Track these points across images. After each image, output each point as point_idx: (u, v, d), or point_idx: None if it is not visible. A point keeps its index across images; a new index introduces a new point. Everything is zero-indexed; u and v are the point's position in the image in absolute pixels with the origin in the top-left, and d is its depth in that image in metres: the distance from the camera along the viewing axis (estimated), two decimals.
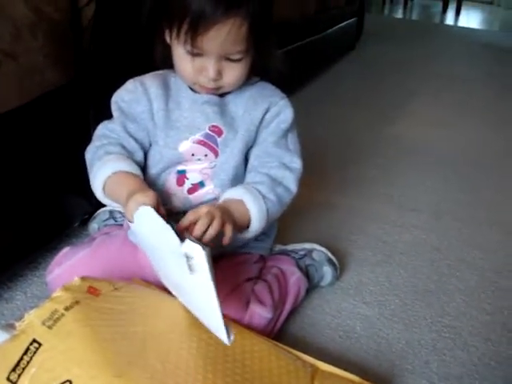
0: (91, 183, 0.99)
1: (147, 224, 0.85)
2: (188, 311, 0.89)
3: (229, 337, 0.83)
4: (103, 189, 0.97)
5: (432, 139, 2.28)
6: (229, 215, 0.91)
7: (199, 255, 0.76)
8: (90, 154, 1.02)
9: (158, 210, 0.83)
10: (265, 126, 1.04)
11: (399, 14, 7.00)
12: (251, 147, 1.05)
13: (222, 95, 1.03)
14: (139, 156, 1.03)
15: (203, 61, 0.94)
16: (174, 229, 0.80)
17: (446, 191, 1.79)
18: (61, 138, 1.19)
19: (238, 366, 0.82)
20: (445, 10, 7.12)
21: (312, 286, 1.20)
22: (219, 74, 0.95)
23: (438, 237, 1.50)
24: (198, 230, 0.85)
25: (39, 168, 1.15)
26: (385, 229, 1.51)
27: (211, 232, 0.86)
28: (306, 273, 1.18)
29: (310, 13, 2.75)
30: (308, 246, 1.24)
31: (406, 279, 1.29)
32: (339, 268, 1.25)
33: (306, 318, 1.14)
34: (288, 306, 1.09)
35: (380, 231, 1.50)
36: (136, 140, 1.02)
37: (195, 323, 0.87)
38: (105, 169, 0.96)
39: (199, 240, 0.83)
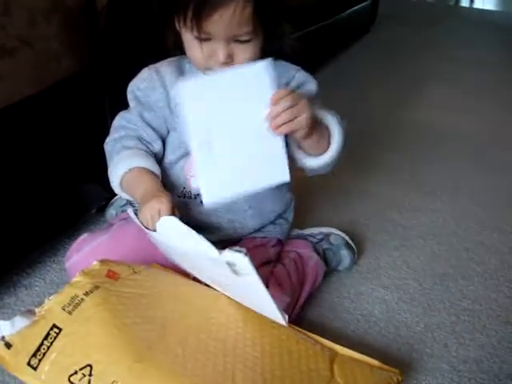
0: (109, 177, 1.01)
1: (172, 233, 0.86)
2: (207, 295, 0.90)
3: (285, 320, 0.87)
4: (120, 184, 0.98)
5: (450, 122, 2.26)
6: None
7: (243, 262, 0.78)
8: (108, 146, 1.02)
9: (173, 214, 0.85)
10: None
11: None
12: None
13: None
14: (158, 145, 1.03)
15: (212, 45, 0.92)
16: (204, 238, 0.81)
17: (464, 175, 1.78)
18: (77, 124, 1.19)
19: (258, 350, 0.82)
20: None
21: (330, 269, 1.20)
22: (229, 57, 0.93)
23: (456, 220, 1.49)
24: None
25: (56, 156, 1.16)
26: (402, 213, 1.50)
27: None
28: (323, 257, 1.18)
29: None
30: (325, 230, 1.23)
31: (424, 263, 1.29)
32: (357, 252, 1.24)
33: (324, 302, 1.14)
34: (306, 290, 1.09)
35: (397, 215, 1.49)
36: (153, 129, 1.02)
37: (214, 307, 0.88)
38: (122, 165, 0.97)
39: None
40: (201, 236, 0.81)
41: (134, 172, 0.97)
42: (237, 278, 0.82)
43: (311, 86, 1.05)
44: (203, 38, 0.92)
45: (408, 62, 3.24)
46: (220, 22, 0.89)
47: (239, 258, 0.78)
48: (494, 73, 3.12)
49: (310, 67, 2.69)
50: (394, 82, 2.80)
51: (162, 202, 0.87)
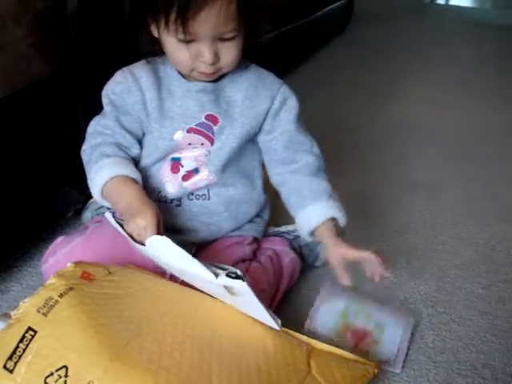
0: (90, 186, 1.00)
1: (163, 252, 0.87)
2: (183, 294, 0.90)
3: (278, 324, 0.89)
4: (101, 194, 0.98)
5: (426, 118, 2.28)
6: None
7: (242, 287, 0.81)
8: (85, 154, 1.02)
9: (158, 228, 0.88)
10: (275, 115, 1.05)
11: None
12: (258, 134, 1.07)
13: (216, 79, 1.02)
14: (136, 149, 1.03)
15: (197, 46, 0.92)
16: (200, 261, 0.83)
17: (442, 169, 1.80)
18: (50, 128, 1.19)
19: (234, 347, 0.82)
20: None
21: (307, 266, 1.21)
22: (216, 56, 0.93)
23: (434, 214, 1.50)
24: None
25: (30, 160, 1.15)
26: (379, 207, 1.52)
27: None
28: (300, 253, 1.18)
29: None
30: None
31: (401, 257, 1.30)
32: None
33: (301, 297, 1.14)
34: (283, 287, 1.10)
35: (374, 210, 1.50)
36: (131, 133, 1.02)
37: (190, 306, 0.88)
38: (102, 174, 0.97)
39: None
40: (196, 259, 0.82)
41: (115, 181, 0.96)
42: (231, 297, 0.85)
43: (294, 101, 1.07)
44: (188, 40, 0.91)
45: (384, 60, 3.26)
46: (207, 21, 0.88)
47: (237, 284, 0.80)
48: (471, 68, 3.16)
49: (286, 67, 2.72)
50: (370, 81, 2.82)
51: (147, 219, 0.87)
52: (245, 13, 0.92)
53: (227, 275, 0.81)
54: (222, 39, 0.92)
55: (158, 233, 0.88)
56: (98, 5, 1.23)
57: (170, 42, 0.93)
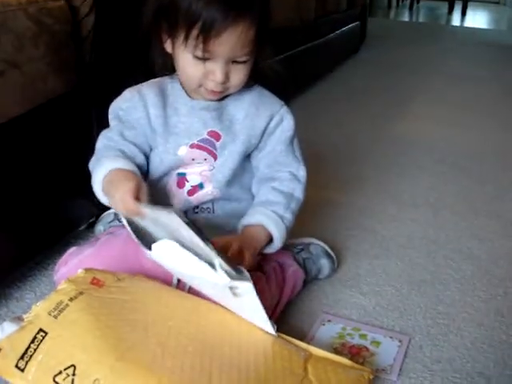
0: (93, 189, 1.03)
1: (170, 255, 0.90)
2: (188, 301, 0.94)
3: (274, 329, 0.93)
4: (103, 191, 1.01)
5: (434, 138, 2.32)
6: (249, 244, 1.02)
7: (247, 287, 0.86)
8: (91, 165, 1.05)
9: (139, 198, 0.89)
10: (269, 134, 1.10)
11: (405, 17, 7.04)
12: (252, 151, 1.11)
13: (220, 99, 1.07)
14: (140, 158, 1.06)
15: (211, 65, 0.97)
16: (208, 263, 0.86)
17: (445, 187, 1.83)
18: (65, 143, 1.24)
19: (235, 351, 0.86)
20: (451, 11, 7.16)
21: (310, 278, 1.24)
22: (226, 77, 0.98)
23: (436, 230, 1.53)
24: None
25: (45, 173, 1.21)
26: (383, 223, 1.55)
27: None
28: (303, 266, 1.22)
29: (310, 18, 2.80)
30: (305, 240, 1.28)
31: (403, 270, 1.33)
32: (336, 261, 1.29)
33: (304, 307, 1.18)
34: (285, 298, 1.14)
35: (378, 226, 1.54)
36: (135, 145, 1.05)
37: (194, 312, 0.92)
38: (100, 170, 0.99)
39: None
40: (202, 261, 0.85)
41: (112, 173, 0.97)
42: (233, 298, 0.89)
43: (290, 123, 1.11)
44: (205, 58, 0.96)
45: (396, 79, 3.31)
46: (226, 42, 0.93)
47: (243, 284, 0.85)
48: (483, 89, 3.19)
49: (300, 87, 2.78)
50: (380, 99, 2.87)
51: (119, 189, 0.90)
52: (260, 39, 0.97)
53: (234, 274, 0.85)
54: (235, 62, 0.98)
55: (139, 199, 0.89)
56: (113, 26, 1.29)
57: (186, 57, 0.98)
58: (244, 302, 0.90)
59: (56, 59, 1.14)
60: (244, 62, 0.98)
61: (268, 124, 1.09)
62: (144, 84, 1.09)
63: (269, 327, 0.93)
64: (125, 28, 1.28)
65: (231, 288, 0.87)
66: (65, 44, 1.17)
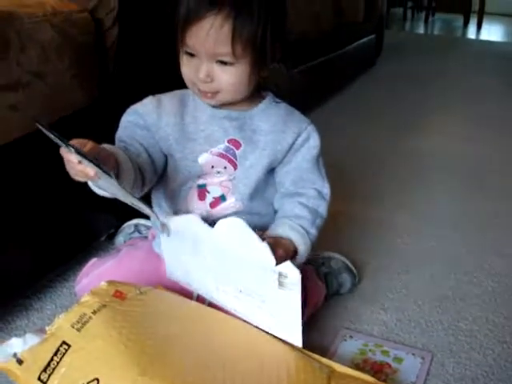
0: None
1: (190, 231, 0.91)
2: (207, 314, 0.94)
3: (301, 341, 0.94)
4: None
5: (452, 151, 2.31)
6: (282, 245, 1.01)
7: (296, 277, 0.87)
8: None
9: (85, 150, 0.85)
10: (296, 150, 1.08)
11: (420, 30, 7.03)
12: (277, 165, 1.10)
13: (245, 110, 1.07)
14: (144, 158, 1.03)
15: (197, 62, 0.98)
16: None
17: (465, 201, 1.82)
18: None
19: (256, 365, 0.86)
20: (466, 24, 7.14)
21: (331, 293, 1.23)
22: (208, 76, 0.97)
23: (456, 245, 1.52)
24: None
25: (66, 184, 1.20)
26: (403, 238, 1.54)
27: None
28: (324, 280, 1.21)
29: (327, 30, 2.80)
30: (326, 254, 1.27)
31: (424, 286, 1.32)
32: (357, 276, 1.28)
33: (324, 323, 1.17)
34: (306, 312, 1.12)
35: (398, 240, 1.53)
36: (141, 144, 1.04)
37: (216, 326, 0.92)
38: None
39: None
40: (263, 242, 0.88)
41: None
42: (274, 290, 0.89)
43: (316, 141, 1.10)
44: (189, 53, 0.97)
45: (413, 92, 3.30)
46: (198, 34, 0.94)
47: (294, 272, 0.85)
48: (499, 102, 3.17)
49: (317, 100, 2.78)
50: (398, 112, 2.86)
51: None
52: (244, 43, 0.95)
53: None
54: (220, 62, 0.97)
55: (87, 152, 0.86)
56: (136, 38, 1.29)
57: (182, 56, 1.00)
58: (283, 299, 0.90)
59: (80, 71, 1.15)
60: (230, 64, 0.97)
61: (295, 140, 1.08)
62: (166, 93, 1.10)
63: (298, 336, 0.93)
64: (148, 40, 1.29)
65: (280, 275, 0.87)
66: (89, 56, 1.18)
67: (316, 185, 1.11)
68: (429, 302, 1.26)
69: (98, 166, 0.83)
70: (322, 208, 1.11)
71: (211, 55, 0.96)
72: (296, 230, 1.05)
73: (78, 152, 0.82)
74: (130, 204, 0.95)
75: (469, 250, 1.50)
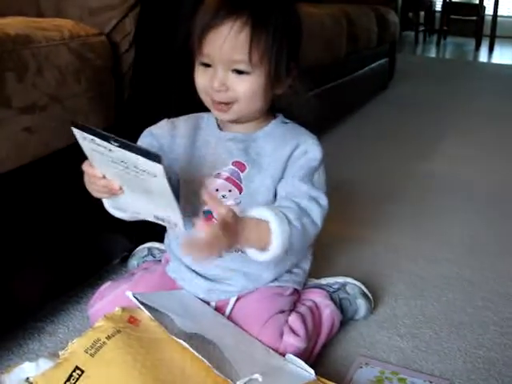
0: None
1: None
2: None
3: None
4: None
5: (466, 175, 2.29)
6: (238, 236, 0.92)
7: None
8: None
9: None
10: (293, 162, 1.05)
11: (432, 53, 7.06)
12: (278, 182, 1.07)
13: (251, 131, 1.07)
14: None
15: (212, 71, 0.98)
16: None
17: (479, 226, 1.80)
18: None
19: None
20: (478, 48, 7.16)
21: (346, 319, 1.22)
22: (223, 85, 0.97)
23: (472, 270, 1.50)
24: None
25: (81, 207, 1.21)
26: (418, 263, 1.52)
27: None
28: (339, 306, 1.20)
29: (341, 55, 2.81)
30: (341, 279, 1.26)
31: (440, 312, 1.30)
32: (373, 301, 1.26)
33: (340, 349, 1.15)
34: (322, 338, 1.11)
35: (413, 265, 1.51)
36: None
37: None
38: None
39: None
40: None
41: None
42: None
43: (316, 154, 1.05)
44: (205, 63, 0.98)
45: (426, 115, 3.30)
46: (215, 41, 0.94)
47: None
48: (511, 124, 3.16)
49: (330, 123, 2.78)
50: (411, 136, 2.86)
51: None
52: (261, 52, 0.96)
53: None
54: (236, 71, 0.97)
55: None
56: (152, 61, 1.30)
57: (196, 67, 1.01)
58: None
59: (97, 94, 1.15)
60: (245, 73, 0.97)
61: (292, 152, 1.05)
62: (182, 117, 1.11)
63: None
64: (164, 64, 1.30)
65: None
66: (105, 79, 1.18)
67: (311, 193, 1.04)
68: (446, 329, 1.24)
69: (144, 153, 0.80)
70: (315, 214, 1.02)
71: (227, 63, 0.96)
72: (276, 214, 0.96)
73: (124, 145, 0.80)
74: (151, 219, 0.94)
75: (485, 275, 1.48)
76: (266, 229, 0.95)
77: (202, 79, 1.00)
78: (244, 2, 0.96)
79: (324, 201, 1.05)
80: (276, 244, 0.95)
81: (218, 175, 1.05)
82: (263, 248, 0.96)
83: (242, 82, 0.98)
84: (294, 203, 1.02)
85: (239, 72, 0.97)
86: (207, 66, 0.98)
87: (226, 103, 1.00)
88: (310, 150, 1.06)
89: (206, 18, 0.95)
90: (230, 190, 1.05)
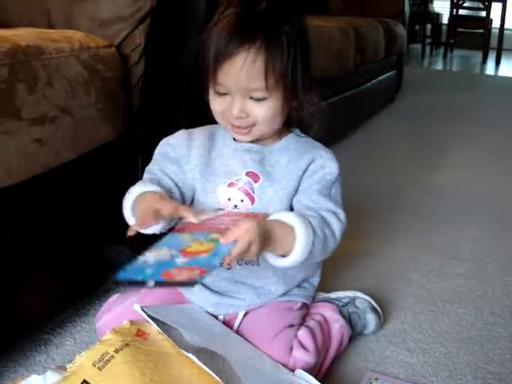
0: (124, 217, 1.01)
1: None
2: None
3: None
4: (132, 214, 0.99)
5: (474, 187, 2.29)
6: (266, 240, 0.90)
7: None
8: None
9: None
10: (309, 176, 1.05)
11: (439, 66, 7.06)
12: (293, 196, 1.06)
13: (267, 144, 1.06)
14: (176, 193, 1.04)
15: (229, 99, 0.97)
16: None
17: (489, 239, 1.79)
18: (111, 189, 1.24)
19: None
20: (485, 60, 7.16)
21: (355, 333, 1.21)
22: (243, 111, 0.97)
23: (482, 284, 1.49)
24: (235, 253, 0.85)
25: (89, 218, 1.20)
26: (428, 277, 1.51)
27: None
28: (349, 320, 1.19)
29: (349, 67, 2.81)
30: (351, 293, 1.25)
31: (450, 327, 1.29)
32: (382, 316, 1.25)
33: (349, 365, 1.14)
34: (331, 353, 1.10)
35: (423, 279, 1.50)
36: (173, 180, 1.05)
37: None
38: (129, 196, 0.99)
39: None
40: None
41: (140, 196, 0.97)
42: None
43: (332, 169, 1.05)
44: (221, 93, 0.97)
45: (433, 128, 3.30)
46: (231, 71, 0.93)
47: None
48: None
49: (337, 136, 2.78)
50: (418, 148, 2.86)
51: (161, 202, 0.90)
52: (277, 76, 0.95)
53: None
54: (254, 99, 0.97)
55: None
56: (162, 74, 1.30)
57: (211, 93, 1.00)
58: None
59: (107, 106, 1.15)
60: (262, 100, 0.97)
61: (308, 166, 1.05)
62: (199, 128, 1.11)
63: None
64: (174, 75, 1.30)
65: None
66: (115, 91, 1.18)
67: (328, 207, 1.03)
68: (456, 344, 1.23)
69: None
70: (335, 227, 1.02)
71: (244, 91, 0.96)
72: (303, 221, 0.96)
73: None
74: None
75: (494, 289, 1.47)
76: (291, 236, 0.94)
77: (220, 106, 1.00)
78: (256, 27, 0.94)
79: (342, 216, 1.04)
80: (298, 251, 0.95)
81: (231, 184, 1.05)
82: (285, 253, 0.95)
83: (261, 107, 0.98)
84: (317, 213, 1.01)
85: (257, 99, 0.97)
86: (223, 94, 0.98)
87: (247, 127, 1.00)
88: (326, 164, 1.05)
89: (220, 45, 0.93)
90: (242, 200, 1.05)
